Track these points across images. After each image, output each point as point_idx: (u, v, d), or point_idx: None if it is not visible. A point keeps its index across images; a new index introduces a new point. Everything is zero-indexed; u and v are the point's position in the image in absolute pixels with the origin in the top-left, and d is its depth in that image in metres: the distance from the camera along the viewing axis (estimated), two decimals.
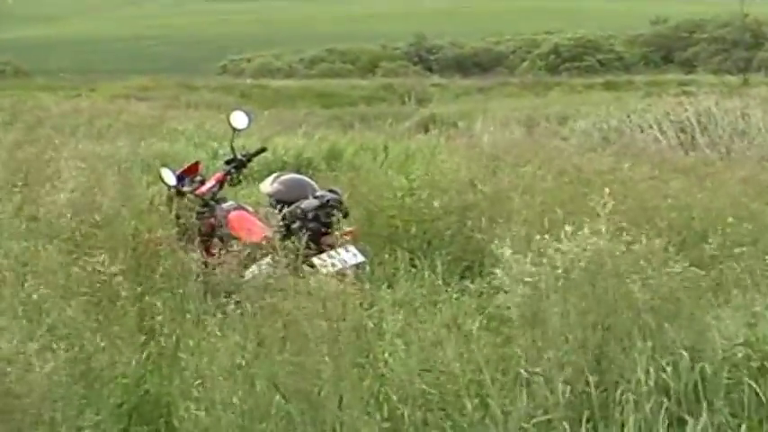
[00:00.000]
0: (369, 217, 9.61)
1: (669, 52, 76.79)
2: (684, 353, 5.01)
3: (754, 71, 60.95)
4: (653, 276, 5.32)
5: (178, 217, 8.42)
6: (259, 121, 20.03)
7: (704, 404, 4.81)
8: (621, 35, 79.03)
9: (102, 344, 5.65)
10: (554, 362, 5.14)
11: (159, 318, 6.51)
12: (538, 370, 5.18)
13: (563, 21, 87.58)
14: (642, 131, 18.25)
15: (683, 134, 17.91)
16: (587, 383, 5.00)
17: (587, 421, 4.89)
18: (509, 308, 5.56)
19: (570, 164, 10.81)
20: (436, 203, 9.75)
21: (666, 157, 13.35)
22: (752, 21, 71.35)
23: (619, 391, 4.92)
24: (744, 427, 4.74)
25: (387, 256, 8.61)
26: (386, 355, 5.60)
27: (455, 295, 7.07)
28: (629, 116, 19.86)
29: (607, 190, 6.02)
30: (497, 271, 5.73)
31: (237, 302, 6.70)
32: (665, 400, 4.86)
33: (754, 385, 4.89)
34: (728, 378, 4.94)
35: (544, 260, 5.44)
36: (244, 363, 5.46)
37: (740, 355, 5.04)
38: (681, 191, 8.93)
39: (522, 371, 5.22)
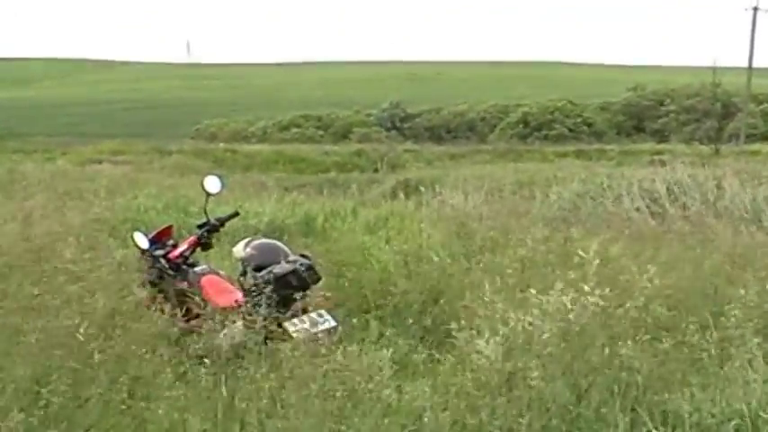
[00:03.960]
0: (340, 283, 9.63)
1: (641, 121, 77.46)
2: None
3: (724, 141, 61.61)
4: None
5: (151, 281, 8.43)
6: (230, 186, 20.03)
7: None
8: (593, 103, 79.70)
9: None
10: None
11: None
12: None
13: (537, 87, 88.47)
14: (614, 201, 18.36)
15: (654, 204, 18.04)
16: None
17: None
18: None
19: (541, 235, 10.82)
20: (402, 283, 9.73)
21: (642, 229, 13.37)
22: (722, 91, 72.14)
23: None
24: None
25: (356, 321, 8.60)
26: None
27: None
28: (602, 184, 20.01)
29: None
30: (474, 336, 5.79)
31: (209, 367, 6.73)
32: None
33: None
34: None
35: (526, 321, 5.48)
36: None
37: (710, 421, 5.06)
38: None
39: None
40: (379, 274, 9.91)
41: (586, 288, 6.02)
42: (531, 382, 5.48)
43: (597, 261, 6.26)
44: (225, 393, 6.41)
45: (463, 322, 6.42)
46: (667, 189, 19.00)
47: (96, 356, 6.23)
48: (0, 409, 5.58)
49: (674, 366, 5.62)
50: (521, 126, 73.95)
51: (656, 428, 5.01)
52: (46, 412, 5.65)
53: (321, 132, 76.37)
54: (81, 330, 6.30)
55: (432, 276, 9.64)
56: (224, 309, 8.06)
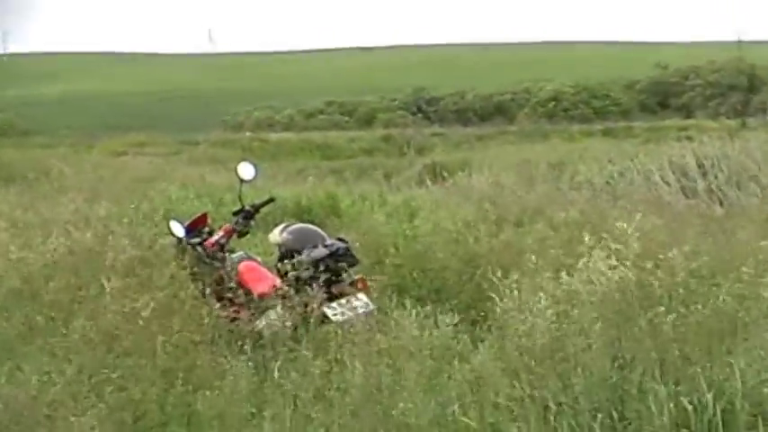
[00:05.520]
0: (377, 266, 9.64)
1: (665, 98, 77.04)
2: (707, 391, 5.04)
3: (750, 115, 61.17)
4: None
5: (189, 269, 8.46)
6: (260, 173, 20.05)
7: None
8: (619, 82, 79.30)
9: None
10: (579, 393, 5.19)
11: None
12: (564, 400, 5.24)
13: (561, 69, 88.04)
14: (648, 178, 18.25)
15: (685, 178, 17.95)
16: (610, 417, 5.04)
17: None
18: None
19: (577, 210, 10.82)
20: (440, 255, 9.77)
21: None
22: (747, 65, 71.63)
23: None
24: None
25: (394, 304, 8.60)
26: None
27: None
28: (632, 161, 19.92)
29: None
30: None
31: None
32: None
33: None
34: (752, 415, 4.94)
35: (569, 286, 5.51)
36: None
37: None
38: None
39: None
40: (415, 253, 9.90)
41: (628, 260, 6.04)
42: (572, 351, 5.50)
43: (636, 234, 6.27)
44: (268, 380, 6.47)
45: (505, 298, 6.41)
46: (697, 164, 18.89)
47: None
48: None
49: (715, 336, 5.61)
50: (549, 106, 73.67)
51: (700, 399, 5.00)
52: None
53: (347, 119, 76.33)
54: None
55: (469, 251, 9.65)
56: (262, 295, 8.10)
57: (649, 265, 5.98)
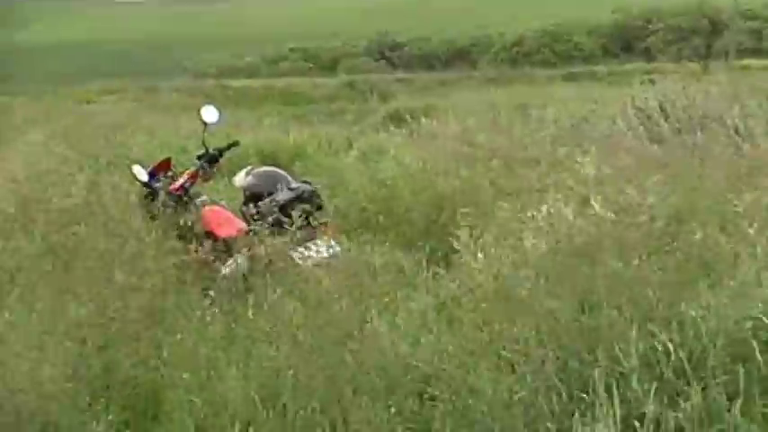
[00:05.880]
0: (343, 209, 9.63)
1: (628, 42, 77.11)
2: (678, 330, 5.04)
3: (713, 58, 61.31)
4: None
5: (153, 214, 8.40)
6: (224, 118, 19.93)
7: (694, 383, 4.79)
8: (582, 26, 79.24)
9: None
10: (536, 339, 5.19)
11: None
12: (517, 348, 5.23)
13: (522, 12, 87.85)
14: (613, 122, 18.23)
15: (649, 121, 17.93)
16: (577, 359, 5.04)
17: (570, 399, 4.91)
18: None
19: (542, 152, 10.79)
20: (407, 194, 9.76)
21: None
22: (709, 8, 71.70)
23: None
24: (738, 403, 4.71)
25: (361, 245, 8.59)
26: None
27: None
28: (595, 103, 19.90)
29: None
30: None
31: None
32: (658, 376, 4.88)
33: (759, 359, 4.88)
34: (728, 355, 4.93)
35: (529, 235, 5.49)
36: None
37: (733, 328, 5.03)
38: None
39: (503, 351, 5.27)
40: (381, 196, 9.89)
41: (592, 202, 6.03)
42: (523, 293, 5.49)
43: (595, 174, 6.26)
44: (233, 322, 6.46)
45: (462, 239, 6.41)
46: (660, 107, 18.86)
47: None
48: None
49: (685, 276, 5.59)
50: (512, 51, 73.65)
51: (671, 339, 4.98)
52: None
53: (310, 65, 75.98)
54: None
55: (435, 193, 9.65)
56: (227, 238, 8.06)
57: (613, 211, 5.95)
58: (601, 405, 4.73)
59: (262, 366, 5.52)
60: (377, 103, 40.92)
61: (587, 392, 4.85)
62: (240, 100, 43.75)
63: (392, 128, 17.50)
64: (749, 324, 4.97)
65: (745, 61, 55.34)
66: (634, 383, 4.76)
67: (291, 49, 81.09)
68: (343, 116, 31.61)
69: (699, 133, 16.99)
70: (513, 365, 5.17)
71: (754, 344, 4.87)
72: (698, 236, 5.95)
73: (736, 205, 6.46)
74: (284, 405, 5.21)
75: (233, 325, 6.33)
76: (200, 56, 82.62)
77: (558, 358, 5.10)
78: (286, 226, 7.56)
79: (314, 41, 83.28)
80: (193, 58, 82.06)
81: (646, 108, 18.72)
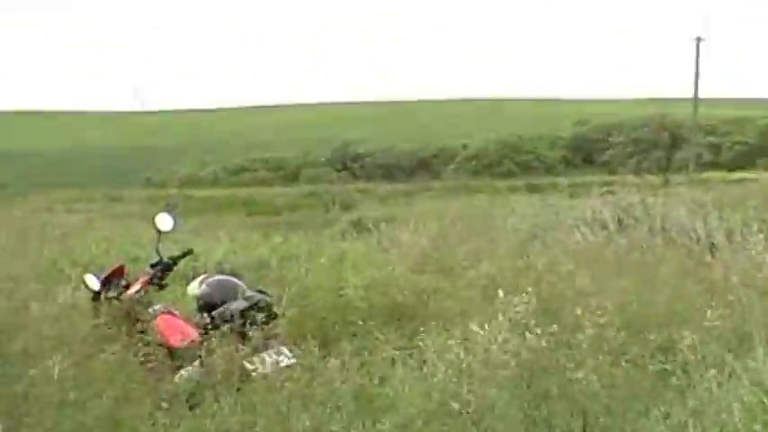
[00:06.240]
0: (299, 318, 9.49)
1: (589, 154, 78.09)
2: None
3: (673, 171, 62.12)
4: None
5: (105, 323, 8.24)
6: (184, 230, 19.87)
7: None
8: (543, 138, 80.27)
9: None
10: None
11: None
12: None
13: (486, 123, 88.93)
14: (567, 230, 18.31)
15: (605, 231, 18.02)
16: None
17: None
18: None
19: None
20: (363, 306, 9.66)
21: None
22: (671, 122, 72.82)
23: None
24: None
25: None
26: None
27: None
28: (557, 214, 20.01)
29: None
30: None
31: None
32: None
33: None
34: None
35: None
36: None
37: None
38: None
39: None
40: (339, 305, 9.79)
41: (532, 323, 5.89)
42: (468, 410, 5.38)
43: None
44: None
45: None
46: (618, 218, 18.96)
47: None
48: None
49: (635, 390, 5.51)
50: (473, 163, 74.35)
51: None
52: None
53: (272, 175, 76.35)
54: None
55: (393, 301, 9.57)
56: (179, 348, 7.92)
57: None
58: None
59: None
60: (338, 212, 41.07)
61: None
62: (203, 209, 43.81)
63: (354, 235, 17.51)
64: None
65: (705, 174, 56.15)
66: None
67: (253, 160, 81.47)
68: (305, 225, 31.61)
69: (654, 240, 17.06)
70: None
71: None
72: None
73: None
74: None
75: None
76: (162, 165, 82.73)
77: None
78: (240, 335, 7.45)
79: (278, 151, 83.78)
80: (155, 167, 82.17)
81: (602, 220, 18.83)
